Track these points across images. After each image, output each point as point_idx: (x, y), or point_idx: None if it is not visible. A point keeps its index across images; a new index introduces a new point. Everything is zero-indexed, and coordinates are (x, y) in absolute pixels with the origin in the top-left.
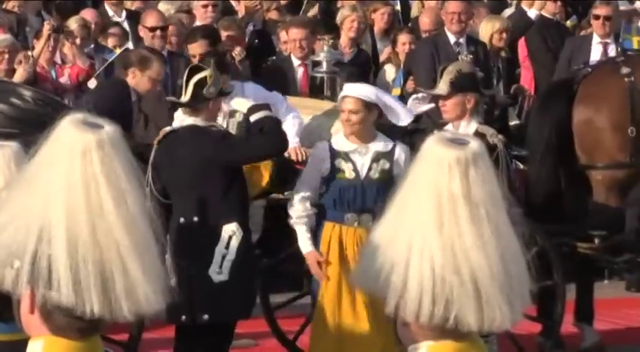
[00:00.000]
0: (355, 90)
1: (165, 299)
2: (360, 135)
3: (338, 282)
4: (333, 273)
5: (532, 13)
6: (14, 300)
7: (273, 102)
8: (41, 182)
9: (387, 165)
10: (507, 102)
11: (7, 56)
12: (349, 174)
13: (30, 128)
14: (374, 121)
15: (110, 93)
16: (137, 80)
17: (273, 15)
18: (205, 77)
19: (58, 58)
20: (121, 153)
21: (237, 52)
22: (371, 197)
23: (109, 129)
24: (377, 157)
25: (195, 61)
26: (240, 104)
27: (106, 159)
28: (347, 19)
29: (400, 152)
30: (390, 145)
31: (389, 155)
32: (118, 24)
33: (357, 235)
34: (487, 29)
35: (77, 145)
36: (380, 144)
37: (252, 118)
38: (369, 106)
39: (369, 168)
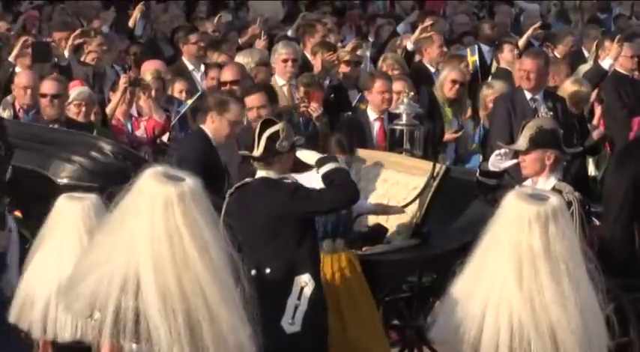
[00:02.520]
0: None
1: (253, 347)
2: None
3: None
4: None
5: (606, 63)
6: (93, 350)
7: None
8: (123, 233)
9: None
10: (575, 150)
11: (84, 109)
12: None
13: (109, 182)
14: None
15: (194, 146)
16: (216, 125)
17: (346, 69)
18: (278, 131)
19: (134, 111)
20: (201, 205)
21: (314, 108)
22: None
23: (190, 181)
24: None
25: (250, 114)
26: (307, 156)
27: (188, 211)
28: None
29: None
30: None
31: None
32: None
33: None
34: (569, 90)
35: (159, 198)
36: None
37: (322, 171)
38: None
39: None
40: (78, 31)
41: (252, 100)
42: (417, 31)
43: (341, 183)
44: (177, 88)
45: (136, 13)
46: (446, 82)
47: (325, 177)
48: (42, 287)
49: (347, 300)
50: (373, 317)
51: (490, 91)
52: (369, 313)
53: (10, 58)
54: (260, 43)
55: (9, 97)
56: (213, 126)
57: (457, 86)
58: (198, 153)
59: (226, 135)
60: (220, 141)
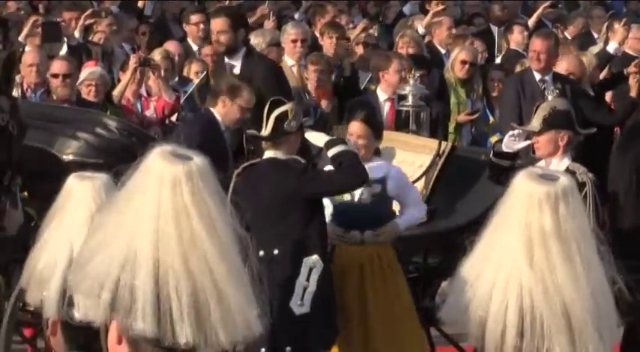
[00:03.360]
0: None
1: (261, 326)
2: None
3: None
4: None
5: (611, 47)
6: (102, 331)
7: None
8: (129, 212)
9: (377, 189)
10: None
11: (93, 88)
12: (345, 196)
13: (114, 158)
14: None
15: (201, 128)
16: (227, 109)
17: (361, 51)
18: (286, 111)
19: (143, 91)
20: (210, 184)
21: (325, 105)
22: (363, 217)
23: (198, 160)
24: (369, 182)
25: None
26: (316, 138)
27: (196, 189)
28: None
29: (392, 176)
30: (383, 171)
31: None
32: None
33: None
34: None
35: (167, 176)
36: (373, 170)
37: (330, 153)
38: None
39: (361, 193)
40: (89, 12)
41: (215, 24)
42: (429, 16)
43: (350, 164)
44: (193, 69)
45: None
46: (456, 62)
47: (334, 160)
48: (53, 266)
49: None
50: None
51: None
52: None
53: (20, 38)
54: (269, 24)
55: (17, 77)
56: (224, 110)
57: (467, 66)
58: (205, 136)
59: (236, 119)
60: (229, 125)
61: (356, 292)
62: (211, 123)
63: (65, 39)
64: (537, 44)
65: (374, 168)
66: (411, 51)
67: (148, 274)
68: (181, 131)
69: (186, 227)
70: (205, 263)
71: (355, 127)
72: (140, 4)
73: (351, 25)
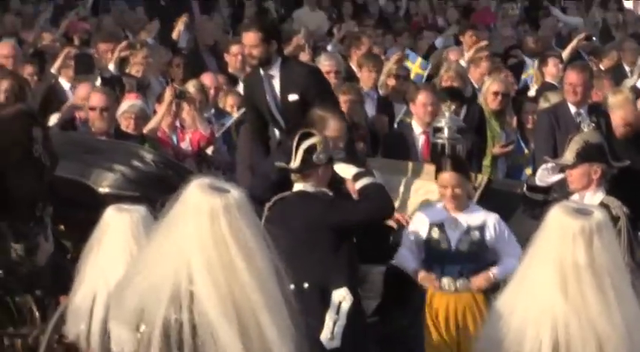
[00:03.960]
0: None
1: None
2: (457, 206)
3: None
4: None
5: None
6: None
7: None
8: (169, 244)
9: (475, 237)
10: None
11: (132, 121)
12: (442, 244)
13: (150, 190)
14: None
15: None
16: None
17: (394, 83)
18: (315, 143)
19: (178, 123)
20: (247, 216)
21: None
22: (458, 264)
23: (235, 193)
24: (468, 230)
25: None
26: (344, 170)
27: (234, 221)
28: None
29: (491, 225)
30: (481, 218)
31: (479, 227)
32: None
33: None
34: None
35: (205, 208)
36: (471, 217)
37: (358, 185)
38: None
39: (458, 240)
40: (124, 44)
41: (247, 38)
42: (472, 51)
43: (376, 196)
44: (229, 102)
45: (180, 26)
46: (488, 94)
47: (361, 192)
48: (91, 299)
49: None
50: None
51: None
52: None
53: (53, 70)
54: (305, 56)
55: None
56: None
57: (500, 97)
58: None
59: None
60: None
61: (449, 340)
62: None
63: (98, 71)
64: (573, 77)
65: (472, 215)
66: (455, 85)
67: (186, 308)
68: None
69: (226, 258)
70: (245, 294)
71: (447, 178)
72: (175, 35)
73: (383, 57)
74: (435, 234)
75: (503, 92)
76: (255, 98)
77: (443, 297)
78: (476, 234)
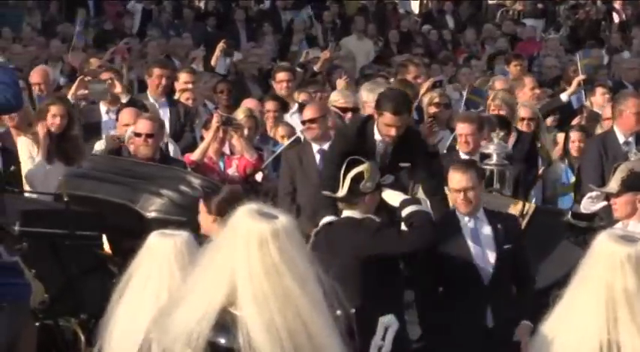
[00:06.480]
0: None
1: None
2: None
3: None
4: None
5: None
6: None
7: None
8: (216, 270)
9: None
10: None
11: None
12: None
13: (197, 216)
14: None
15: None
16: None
17: (435, 110)
18: (362, 171)
19: (227, 149)
20: (296, 242)
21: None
22: None
23: (284, 218)
24: None
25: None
26: (391, 197)
27: (283, 247)
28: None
29: None
30: None
31: None
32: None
33: None
34: None
35: (253, 235)
36: None
37: (404, 213)
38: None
39: None
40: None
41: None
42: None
43: (420, 225)
44: (280, 133)
45: (217, 52)
46: (518, 120)
47: (406, 220)
48: (134, 323)
49: None
50: None
51: None
52: None
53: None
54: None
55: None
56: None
57: (526, 122)
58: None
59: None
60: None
61: None
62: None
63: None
64: (631, 104)
65: None
66: (502, 113)
67: (260, 334)
68: None
69: (278, 285)
70: (300, 320)
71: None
72: (213, 61)
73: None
74: None
75: (529, 117)
76: (359, 148)
77: None
78: None
